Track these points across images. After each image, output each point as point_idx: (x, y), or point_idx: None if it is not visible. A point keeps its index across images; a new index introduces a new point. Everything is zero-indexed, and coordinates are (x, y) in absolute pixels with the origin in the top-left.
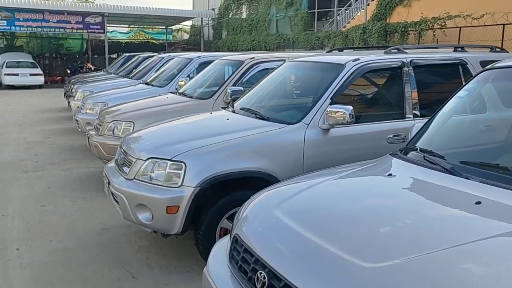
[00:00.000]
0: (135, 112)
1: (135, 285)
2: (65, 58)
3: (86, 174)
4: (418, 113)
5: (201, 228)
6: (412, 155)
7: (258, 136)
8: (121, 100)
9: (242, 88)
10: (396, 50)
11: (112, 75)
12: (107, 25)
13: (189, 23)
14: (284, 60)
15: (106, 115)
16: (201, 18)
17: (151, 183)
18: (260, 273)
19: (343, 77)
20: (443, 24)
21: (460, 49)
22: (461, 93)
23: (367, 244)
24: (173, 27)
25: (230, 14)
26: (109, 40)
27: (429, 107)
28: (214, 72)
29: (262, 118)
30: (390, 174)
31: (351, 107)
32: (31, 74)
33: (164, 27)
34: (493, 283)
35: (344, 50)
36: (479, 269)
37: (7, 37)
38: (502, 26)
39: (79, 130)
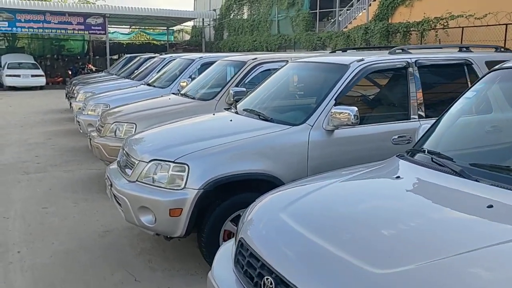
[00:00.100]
0: (137, 113)
1: None
2: (67, 59)
3: (88, 176)
4: (423, 114)
5: (204, 231)
6: (420, 157)
7: (262, 137)
8: (123, 101)
9: (244, 89)
10: (400, 50)
11: (114, 76)
12: (108, 26)
13: (190, 23)
14: (287, 61)
15: (108, 116)
16: (203, 19)
17: (154, 186)
18: (267, 279)
19: (347, 78)
20: (445, 24)
21: (465, 49)
22: (469, 93)
23: (377, 249)
24: (175, 28)
25: (232, 15)
26: (110, 41)
27: (434, 107)
28: (216, 73)
29: (265, 119)
30: (398, 177)
31: (356, 108)
32: (32, 75)
33: (165, 28)
34: None
35: (348, 51)
36: (493, 276)
37: (8, 38)
38: (505, 26)
39: (81, 131)
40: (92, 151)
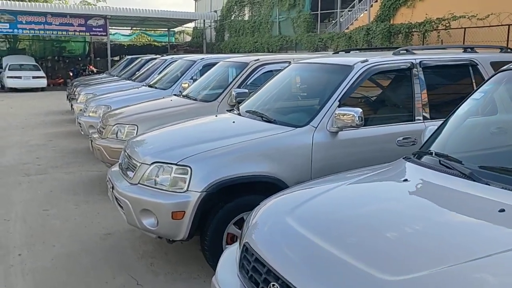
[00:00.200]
0: (139, 115)
1: None
2: (68, 60)
3: (89, 178)
4: (428, 115)
5: (207, 234)
6: (427, 159)
7: (265, 139)
8: (124, 103)
9: (247, 91)
10: (405, 51)
11: (115, 77)
12: (110, 27)
13: (191, 25)
14: (290, 62)
15: (109, 118)
16: (204, 20)
17: (156, 188)
18: (273, 285)
19: (351, 79)
20: (447, 25)
21: (470, 49)
22: (476, 94)
23: (386, 255)
24: (176, 30)
25: (233, 16)
26: (111, 43)
27: (439, 109)
28: (218, 74)
29: (268, 121)
30: (406, 180)
31: (360, 110)
32: (33, 77)
33: (166, 29)
34: None
35: (351, 52)
36: (507, 283)
37: (9, 40)
38: (507, 26)
39: (82, 133)
40: (93, 153)
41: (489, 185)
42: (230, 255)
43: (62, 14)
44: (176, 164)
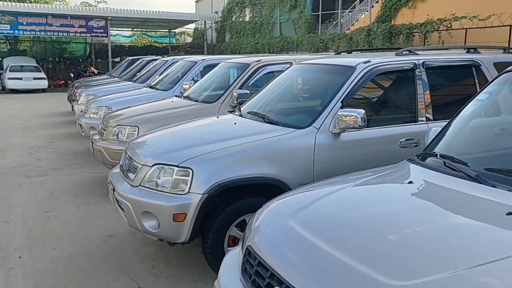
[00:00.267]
0: (140, 116)
1: None
2: (69, 62)
3: (90, 179)
4: (431, 116)
5: (209, 236)
6: (431, 161)
7: (268, 141)
8: (125, 104)
9: (248, 92)
10: (407, 52)
11: (116, 78)
12: (110, 28)
13: (192, 26)
14: (291, 63)
15: (110, 119)
16: (204, 21)
17: (157, 190)
18: None
19: (354, 80)
20: (448, 25)
21: (472, 50)
22: (481, 95)
23: (392, 259)
24: (176, 30)
25: (234, 17)
26: (112, 44)
27: (442, 110)
28: (219, 75)
29: (270, 122)
30: (411, 182)
31: (363, 111)
32: (34, 78)
33: (167, 30)
34: None
35: (353, 52)
36: None
37: (10, 41)
38: (509, 27)
39: (83, 134)
40: (94, 154)
41: (495, 187)
42: (232, 259)
43: (63, 15)
44: (177, 166)
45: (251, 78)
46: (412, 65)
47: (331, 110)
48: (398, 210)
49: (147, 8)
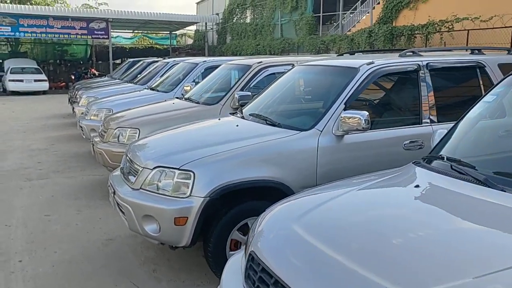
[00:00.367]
0: (141, 118)
1: None
2: (70, 64)
3: (91, 182)
4: (435, 118)
5: (210, 240)
6: (438, 164)
7: (270, 143)
8: (126, 106)
9: (250, 93)
10: (411, 53)
11: (117, 80)
12: (111, 30)
13: (193, 28)
14: (293, 64)
15: (111, 121)
16: (205, 23)
17: (158, 193)
18: None
19: (357, 81)
20: (450, 27)
21: (477, 51)
22: (488, 97)
23: (401, 267)
24: (177, 32)
25: (235, 19)
26: (113, 46)
27: (446, 112)
28: (221, 77)
29: (273, 125)
30: (417, 186)
31: (366, 113)
32: (35, 80)
33: (168, 32)
34: None
35: (356, 54)
36: None
37: (11, 43)
38: (511, 28)
39: (84, 136)
40: (94, 157)
41: (505, 191)
42: (235, 264)
43: (64, 17)
44: (178, 169)
45: (253, 80)
46: (416, 67)
47: (334, 112)
48: (405, 215)
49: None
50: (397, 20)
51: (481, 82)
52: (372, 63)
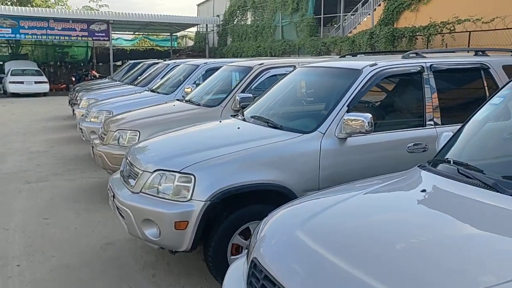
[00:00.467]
0: (141, 120)
1: None
2: (70, 65)
3: (90, 185)
4: (439, 120)
5: (211, 245)
6: (444, 168)
7: (272, 146)
8: (127, 108)
9: (251, 95)
10: (414, 55)
11: (117, 82)
12: (112, 32)
13: (194, 29)
14: (294, 66)
15: (111, 123)
16: (206, 25)
17: (158, 197)
18: None
19: (360, 83)
20: (452, 28)
21: (481, 53)
22: (495, 99)
23: (410, 276)
24: (178, 34)
25: (235, 21)
26: (114, 48)
27: (450, 114)
28: (222, 79)
29: (274, 127)
30: (424, 190)
31: (370, 115)
32: (36, 82)
33: (169, 34)
34: None
35: (358, 55)
36: None
37: (12, 45)
38: None
39: (84, 139)
40: (94, 159)
41: None
42: (237, 270)
43: (65, 19)
44: (179, 172)
45: (254, 82)
46: (420, 68)
47: (337, 115)
48: (411, 220)
49: (148, 12)
50: (398, 22)
51: (485, 84)
52: (375, 64)
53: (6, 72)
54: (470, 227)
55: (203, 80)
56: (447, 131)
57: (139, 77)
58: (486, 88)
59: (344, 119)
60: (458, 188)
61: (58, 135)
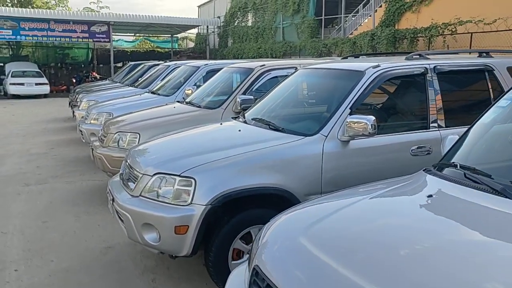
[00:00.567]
0: (141, 122)
1: None
2: (71, 67)
3: (90, 187)
4: (443, 123)
5: (212, 250)
6: (450, 172)
7: (274, 149)
8: (127, 110)
9: (252, 97)
10: (418, 56)
11: (118, 84)
12: (113, 33)
13: (194, 31)
14: (296, 68)
15: (111, 125)
16: (207, 26)
17: (158, 201)
18: None
19: (363, 85)
20: (453, 30)
21: (485, 54)
22: (502, 102)
23: (415, 284)
24: (179, 36)
25: (236, 22)
26: (114, 49)
27: (454, 116)
28: (223, 81)
29: (276, 130)
30: (430, 195)
31: (373, 118)
32: (36, 84)
33: (169, 35)
34: None
35: (360, 57)
36: None
37: (12, 46)
38: None
39: (83, 140)
40: (94, 161)
41: None
42: (238, 277)
43: (65, 21)
44: (179, 176)
45: (255, 83)
46: (423, 70)
47: (339, 117)
48: (417, 227)
49: (149, 13)
50: (399, 23)
51: (489, 86)
52: (378, 66)
53: (6, 74)
54: (477, 234)
55: (204, 82)
56: (451, 134)
57: (139, 79)
58: (491, 90)
59: (347, 122)
60: (465, 193)
61: (58, 137)
